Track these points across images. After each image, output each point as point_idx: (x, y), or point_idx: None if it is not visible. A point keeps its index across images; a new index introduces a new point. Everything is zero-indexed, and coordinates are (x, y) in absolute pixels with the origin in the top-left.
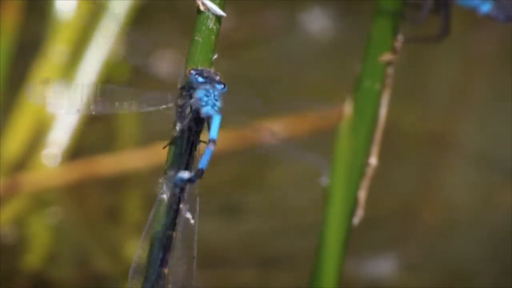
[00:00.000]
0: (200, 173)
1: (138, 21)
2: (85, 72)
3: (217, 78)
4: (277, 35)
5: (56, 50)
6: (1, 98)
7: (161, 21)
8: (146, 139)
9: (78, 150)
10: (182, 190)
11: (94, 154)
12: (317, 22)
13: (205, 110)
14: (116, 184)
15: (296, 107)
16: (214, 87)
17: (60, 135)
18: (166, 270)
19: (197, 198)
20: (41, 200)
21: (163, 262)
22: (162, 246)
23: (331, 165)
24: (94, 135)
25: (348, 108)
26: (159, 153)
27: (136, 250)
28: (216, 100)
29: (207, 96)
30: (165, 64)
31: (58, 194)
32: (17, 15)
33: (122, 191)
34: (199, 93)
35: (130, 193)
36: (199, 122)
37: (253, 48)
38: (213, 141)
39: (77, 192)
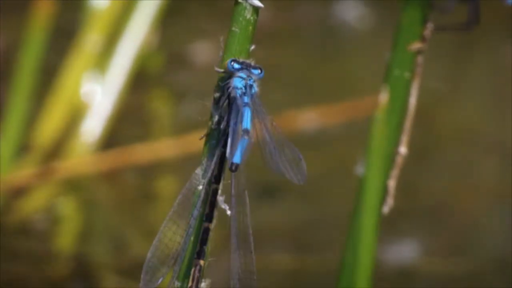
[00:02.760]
0: (235, 168)
1: (174, 11)
2: (119, 61)
3: (253, 64)
4: (313, 25)
5: (91, 38)
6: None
7: (198, 11)
8: (180, 129)
9: (112, 138)
10: (218, 181)
11: (128, 143)
12: (352, 11)
13: (243, 100)
14: (150, 173)
15: (331, 96)
16: (250, 73)
17: (95, 123)
18: (202, 262)
19: (245, 192)
20: (75, 187)
21: (200, 254)
22: (199, 239)
23: (365, 154)
24: (129, 124)
25: (383, 97)
26: (193, 142)
27: (156, 238)
28: (251, 87)
29: (243, 85)
30: (202, 53)
31: (92, 181)
32: (52, 4)
33: (156, 180)
34: (235, 82)
35: (163, 182)
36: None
37: (289, 38)
38: (246, 131)
39: (111, 180)
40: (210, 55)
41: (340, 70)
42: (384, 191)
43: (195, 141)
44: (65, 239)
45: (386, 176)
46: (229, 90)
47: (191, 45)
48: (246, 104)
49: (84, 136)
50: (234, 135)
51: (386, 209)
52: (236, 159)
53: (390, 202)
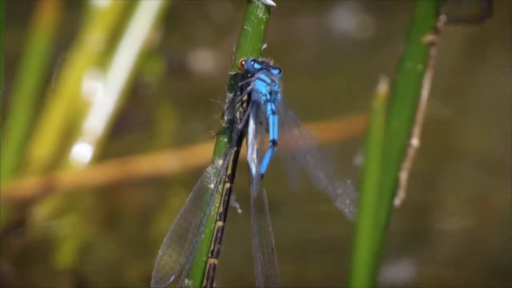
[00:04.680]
0: (260, 178)
1: (172, 20)
2: (121, 59)
3: (272, 63)
4: (312, 37)
5: (92, 39)
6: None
7: (195, 22)
8: (182, 141)
9: (113, 149)
10: (232, 180)
11: (130, 155)
12: (348, 20)
13: (268, 108)
14: (152, 185)
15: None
16: (269, 73)
17: (97, 121)
18: (216, 261)
19: (264, 191)
20: (74, 200)
21: (214, 254)
22: (213, 238)
23: (364, 144)
24: (130, 135)
25: (383, 87)
26: (196, 154)
27: (164, 242)
28: (276, 94)
29: (268, 91)
30: (201, 61)
31: (92, 193)
32: (55, 10)
33: (158, 193)
34: (258, 85)
35: (165, 195)
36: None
37: (288, 52)
38: (274, 142)
39: (111, 192)
40: (209, 64)
41: (339, 83)
42: (394, 183)
43: (198, 153)
44: (64, 256)
45: (397, 169)
46: (248, 90)
47: (190, 54)
48: (273, 112)
49: (85, 144)
50: (255, 138)
51: (397, 201)
52: (262, 169)
53: (401, 194)
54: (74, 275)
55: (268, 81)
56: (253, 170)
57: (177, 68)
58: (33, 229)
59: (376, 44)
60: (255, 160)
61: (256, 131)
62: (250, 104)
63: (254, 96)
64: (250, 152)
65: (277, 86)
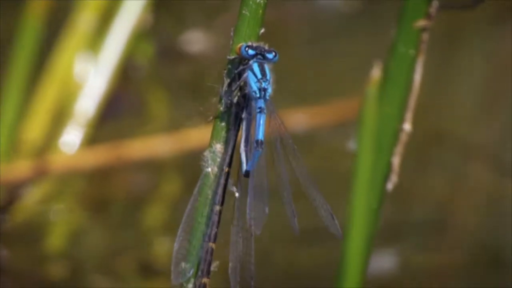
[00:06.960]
0: (247, 175)
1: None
2: (112, 41)
3: (267, 47)
4: (301, 19)
5: (84, 21)
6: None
7: (187, 4)
8: (175, 124)
9: (105, 133)
10: (230, 164)
11: (122, 138)
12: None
13: (258, 104)
14: (145, 169)
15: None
16: (265, 58)
17: (88, 103)
18: (213, 245)
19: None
20: (67, 184)
21: (211, 237)
22: (211, 221)
23: (358, 129)
24: (122, 118)
25: (376, 73)
26: (188, 138)
27: (179, 231)
28: (265, 90)
29: (257, 87)
30: (194, 42)
31: (85, 177)
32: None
33: (151, 176)
34: (250, 78)
35: (159, 178)
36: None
37: (280, 35)
38: (259, 142)
39: (103, 176)
40: (203, 45)
41: (329, 65)
42: (387, 168)
43: (191, 136)
44: (57, 240)
45: (389, 153)
46: (244, 77)
47: (183, 35)
48: (260, 110)
49: (78, 128)
50: (248, 130)
51: (390, 186)
52: (249, 167)
53: (394, 179)
54: (66, 259)
55: (259, 75)
56: (243, 164)
57: (169, 49)
58: (24, 214)
59: (362, 20)
60: (245, 154)
61: (249, 124)
62: (244, 94)
63: (246, 89)
64: (242, 144)
65: (267, 83)
